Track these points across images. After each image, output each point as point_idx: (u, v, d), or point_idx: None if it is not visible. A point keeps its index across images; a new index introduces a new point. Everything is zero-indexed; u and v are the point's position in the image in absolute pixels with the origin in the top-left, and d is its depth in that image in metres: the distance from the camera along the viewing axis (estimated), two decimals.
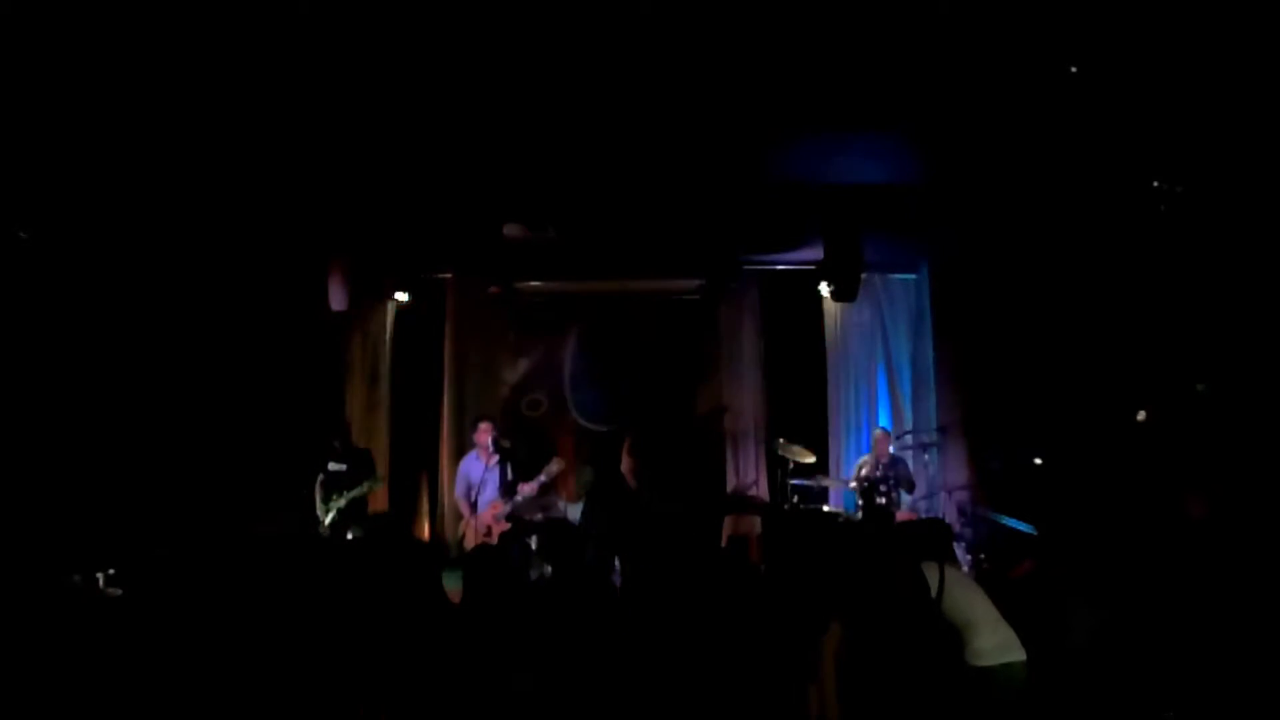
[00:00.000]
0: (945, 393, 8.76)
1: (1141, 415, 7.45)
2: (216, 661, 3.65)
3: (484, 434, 8.23)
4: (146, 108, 6.25)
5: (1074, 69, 5.81)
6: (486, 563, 4.17)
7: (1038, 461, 7.96)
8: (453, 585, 4.22)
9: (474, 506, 8.17)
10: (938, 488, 8.61)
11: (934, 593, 3.90)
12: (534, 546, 5.85)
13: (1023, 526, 7.16)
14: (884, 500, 8.20)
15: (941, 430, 8.62)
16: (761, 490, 9.16)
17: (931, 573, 3.97)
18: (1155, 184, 6.88)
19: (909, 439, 8.86)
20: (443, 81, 6.16)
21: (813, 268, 8.94)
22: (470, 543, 8.10)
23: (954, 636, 3.85)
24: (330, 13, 5.35)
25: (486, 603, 3.95)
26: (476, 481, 8.15)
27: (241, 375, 8.16)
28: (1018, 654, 3.85)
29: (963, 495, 8.47)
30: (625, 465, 8.80)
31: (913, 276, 9.19)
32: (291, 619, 3.87)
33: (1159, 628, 4.40)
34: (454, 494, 8.65)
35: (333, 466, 7.90)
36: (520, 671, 3.59)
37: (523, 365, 9.63)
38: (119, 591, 5.48)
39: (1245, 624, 4.41)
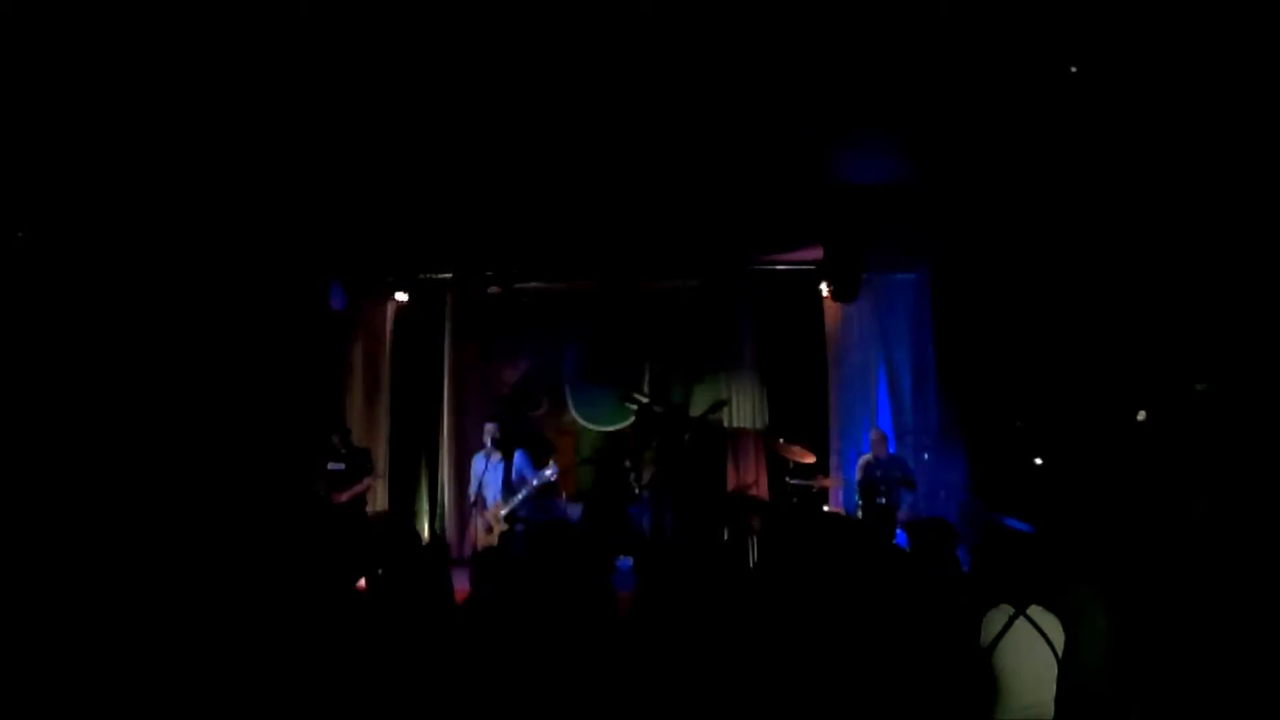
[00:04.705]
0: (945, 393, 8.76)
1: (1141, 415, 7.45)
2: (219, 660, 3.65)
3: (489, 433, 8.30)
4: (146, 108, 6.25)
5: (1074, 69, 5.82)
6: (490, 564, 4.17)
7: (1038, 461, 7.97)
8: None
9: (479, 504, 8.21)
10: (938, 488, 8.61)
11: (988, 640, 3.62)
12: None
13: (1023, 526, 7.15)
14: (884, 500, 8.20)
15: (941, 430, 8.61)
16: (761, 490, 9.16)
17: (998, 618, 3.67)
18: (1154, 184, 6.89)
19: (909, 439, 8.85)
20: (443, 82, 6.17)
21: (813, 268, 8.94)
22: (474, 539, 8.14)
23: (990, 686, 3.60)
24: (330, 13, 5.35)
25: (489, 603, 3.95)
26: (479, 479, 8.19)
27: (242, 375, 8.15)
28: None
29: (963, 495, 8.48)
30: (626, 466, 8.82)
31: (913, 276, 9.19)
32: (294, 618, 3.87)
33: (1160, 627, 4.41)
34: (462, 490, 8.72)
35: (332, 466, 7.90)
36: (522, 671, 3.59)
37: (523, 365, 9.63)
38: (119, 592, 5.48)
39: (1247, 623, 4.42)
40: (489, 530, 7.99)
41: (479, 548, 7.90)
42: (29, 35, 5.37)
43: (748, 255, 9.17)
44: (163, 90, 6.08)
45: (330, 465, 7.93)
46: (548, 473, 8.02)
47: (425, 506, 9.59)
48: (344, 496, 7.75)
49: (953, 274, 8.67)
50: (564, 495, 9.04)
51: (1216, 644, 4.37)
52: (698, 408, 9.02)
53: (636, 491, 8.70)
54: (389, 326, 9.62)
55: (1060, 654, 3.69)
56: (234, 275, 8.07)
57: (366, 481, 7.90)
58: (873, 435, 8.71)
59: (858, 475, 8.58)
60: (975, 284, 8.43)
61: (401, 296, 9.34)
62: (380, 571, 4.14)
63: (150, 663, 3.68)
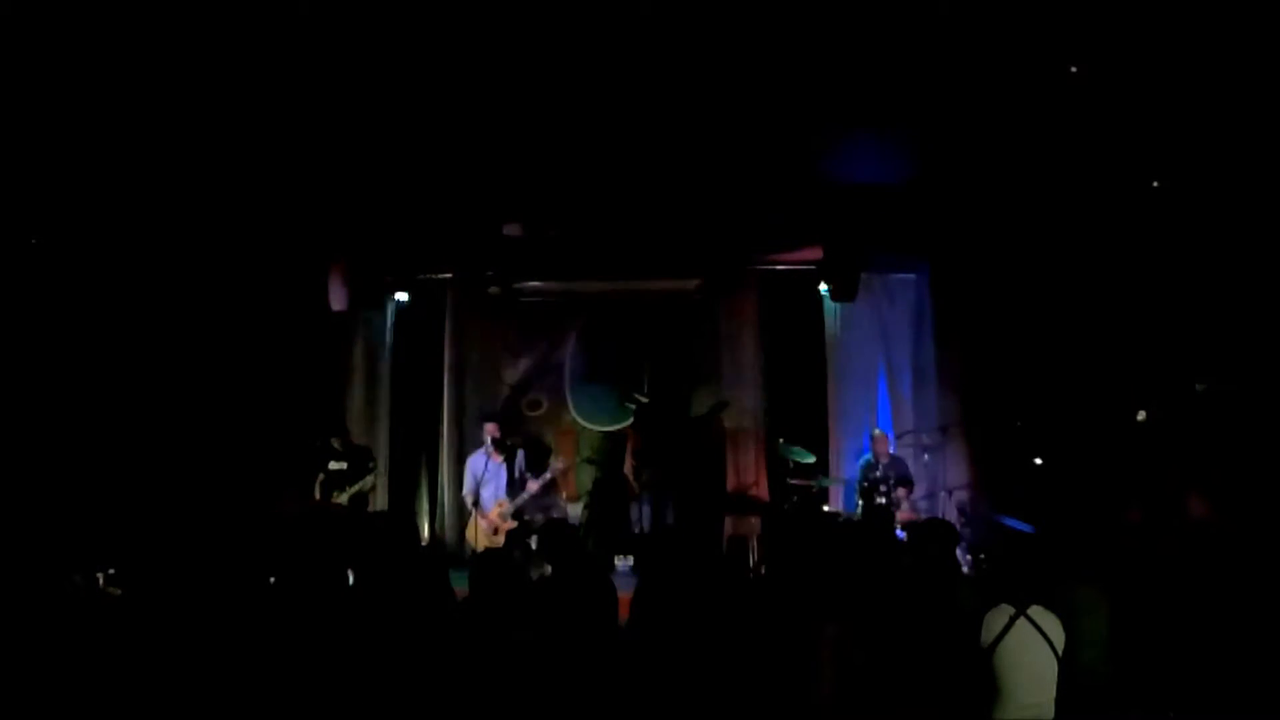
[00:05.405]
0: (945, 393, 8.76)
1: (1141, 415, 7.45)
2: (218, 660, 3.65)
3: (489, 433, 8.30)
4: (148, 108, 6.26)
5: (1074, 69, 5.82)
6: (492, 565, 4.17)
7: (1038, 461, 7.96)
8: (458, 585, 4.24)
9: (478, 503, 8.21)
10: (938, 488, 8.61)
11: (989, 640, 3.64)
12: (535, 547, 5.84)
13: (1023, 526, 7.16)
14: (884, 500, 8.20)
15: (941, 430, 8.61)
16: (761, 490, 9.15)
17: (998, 618, 3.69)
18: (1155, 184, 6.89)
19: (909, 439, 8.85)
20: (443, 81, 6.17)
21: (813, 268, 8.94)
22: (475, 539, 8.14)
23: (990, 686, 3.63)
24: (330, 13, 5.36)
25: (491, 603, 3.95)
26: (478, 478, 8.19)
27: (242, 375, 8.16)
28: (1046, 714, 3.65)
29: (963, 495, 8.48)
30: (627, 466, 8.82)
31: (913, 276, 9.19)
32: (293, 619, 3.87)
33: (1161, 628, 4.40)
34: (461, 491, 8.71)
35: (333, 466, 7.91)
36: (522, 669, 3.59)
37: (523, 365, 9.62)
38: (119, 591, 5.48)
39: (1247, 623, 4.41)
40: (494, 531, 7.99)
41: (480, 548, 7.89)
42: (29, 34, 5.38)
43: (748, 255, 9.17)
44: (164, 91, 6.08)
45: (331, 465, 7.94)
46: (557, 467, 8.02)
47: (425, 506, 9.59)
48: (345, 496, 7.75)
49: (953, 274, 8.67)
50: (564, 495, 9.05)
51: (1217, 644, 4.36)
52: (698, 408, 9.02)
53: (636, 491, 8.70)
54: (389, 326, 9.61)
55: (1060, 654, 3.69)
56: (235, 275, 8.08)
57: (368, 480, 7.91)
58: (873, 435, 8.71)
59: (858, 475, 8.59)
60: (975, 284, 8.44)
61: (402, 296, 9.34)
62: (379, 571, 4.14)
63: (150, 663, 3.68)
